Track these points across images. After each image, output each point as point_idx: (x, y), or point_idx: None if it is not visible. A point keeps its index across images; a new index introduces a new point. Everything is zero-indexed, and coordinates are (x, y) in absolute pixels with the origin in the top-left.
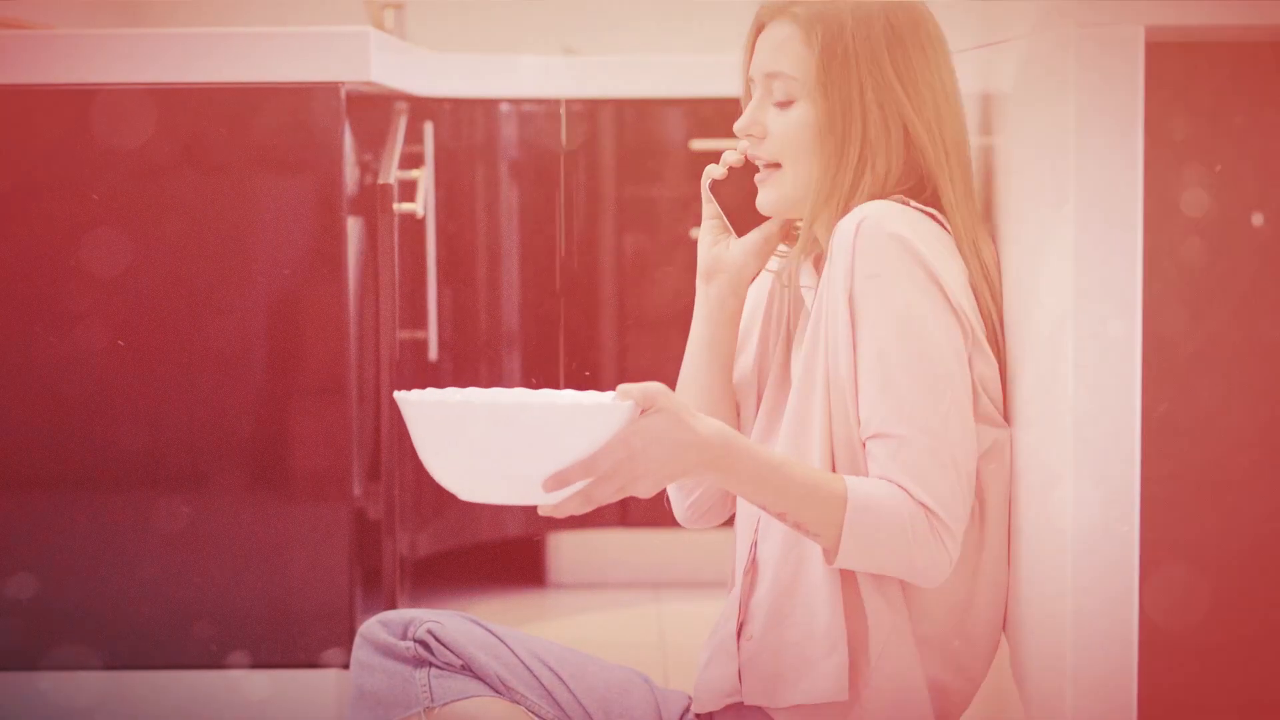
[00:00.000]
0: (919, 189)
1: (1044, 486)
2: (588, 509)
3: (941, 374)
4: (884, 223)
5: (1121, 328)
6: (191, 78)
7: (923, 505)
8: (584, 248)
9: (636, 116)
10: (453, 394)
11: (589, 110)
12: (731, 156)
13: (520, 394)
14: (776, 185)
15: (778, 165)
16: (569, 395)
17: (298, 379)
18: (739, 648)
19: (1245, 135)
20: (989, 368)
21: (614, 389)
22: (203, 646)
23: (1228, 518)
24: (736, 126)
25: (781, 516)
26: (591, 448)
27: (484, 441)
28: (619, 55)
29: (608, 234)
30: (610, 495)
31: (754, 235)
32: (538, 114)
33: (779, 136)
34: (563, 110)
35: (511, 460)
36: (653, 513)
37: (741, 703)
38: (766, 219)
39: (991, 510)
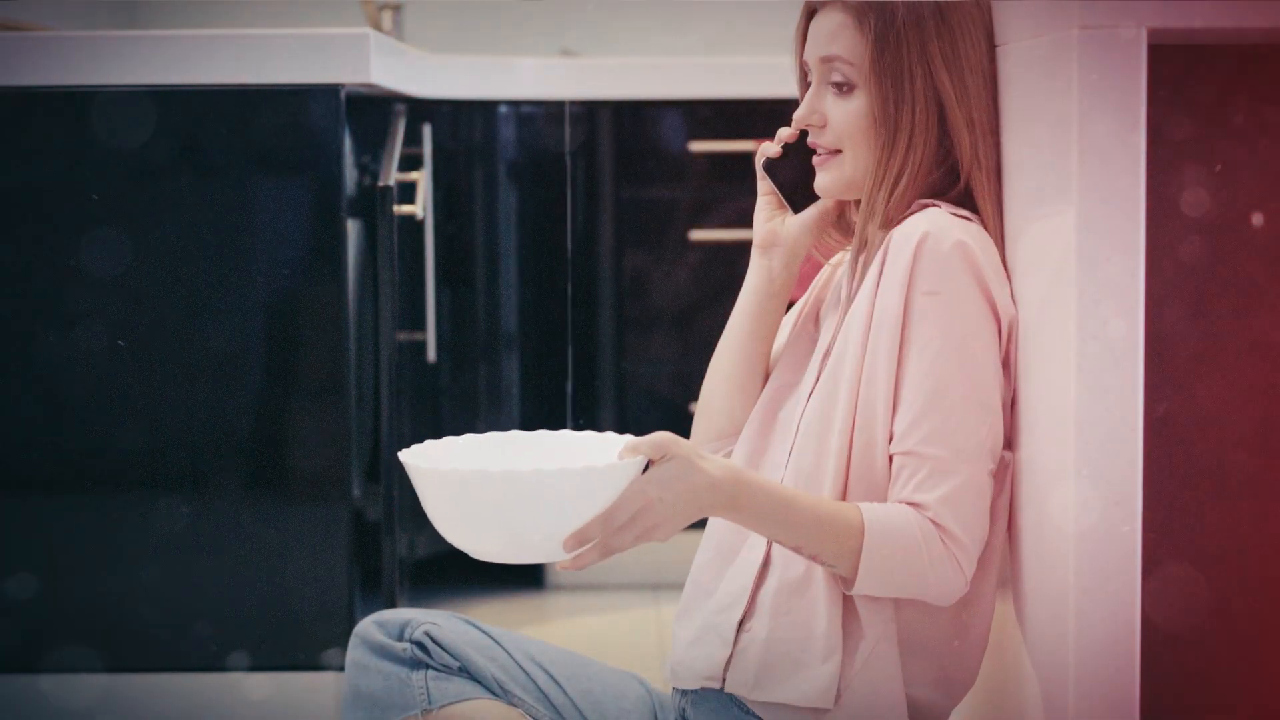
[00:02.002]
0: (951, 177)
1: (1046, 487)
2: (606, 559)
3: (987, 402)
4: (948, 235)
5: (1124, 328)
6: (191, 79)
7: (941, 527)
8: (583, 249)
9: (635, 118)
10: (454, 445)
11: (587, 112)
12: (785, 133)
13: (519, 439)
14: (836, 169)
15: (838, 152)
16: (570, 440)
17: (297, 380)
18: (736, 637)
19: (1245, 135)
20: (1008, 392)
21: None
22: (202, 648)
23: (1229, 518)
24: (796, 116)
25: (797, 549)
26: (607, 503)
27: (498, 509)
28: (617, 57)
29: (607, 235)
30: (629, 544)
31: (809, 212)
32: (536, 116)
33: (838, 125)
34: (567, 112)
35: (527, 525)
36: None
37: (718, 687)
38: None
39: (992, 529)
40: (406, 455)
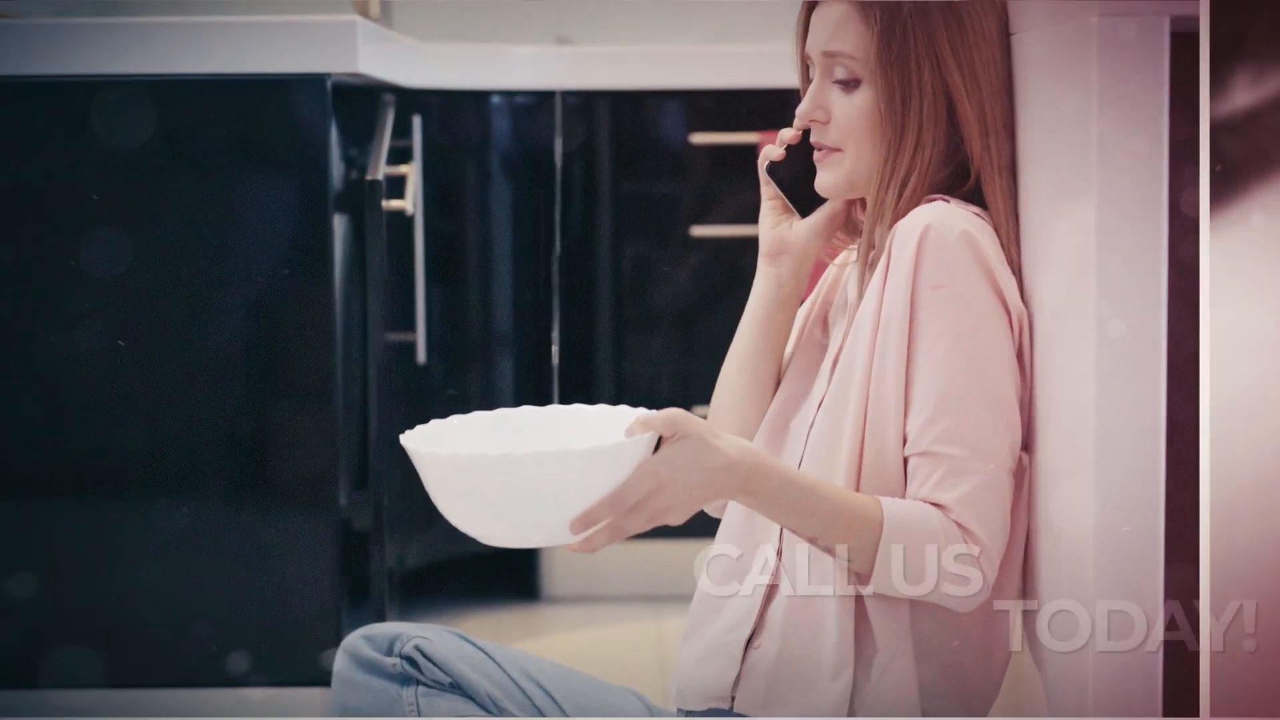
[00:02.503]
0: (961, 174)
1: (1062, 489)
2: (618, 541)
3: (1001, 398)
4: (951, 226)
5: (1143, 327)
6: (172, 69)
7: (964, 529)
8: (579, 246)
9: (633, 109)
10: (458, 424)
11: (584, 102)
12: (787, 134)
13: (528, 415)
14: (837, 167)
15: (840, 149)
16: (580, 415)
17: (282, 382)
18: (744, 655)
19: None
20: (1025, 389)
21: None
22: (184, 661)
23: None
24: (799, 111)
25: (813, 540)
26: (616, 484)
27: (502, 492)
28: (615, 45)
29: (604, 231)
30: (640, 526)
31: (818, 215)
32: (531, 106)
33: (843, 121)
34: (558, 101)
35: (532, 508)
36: None
37: (727, 708)
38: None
39: (1012, 532)
40: (407, 439)
